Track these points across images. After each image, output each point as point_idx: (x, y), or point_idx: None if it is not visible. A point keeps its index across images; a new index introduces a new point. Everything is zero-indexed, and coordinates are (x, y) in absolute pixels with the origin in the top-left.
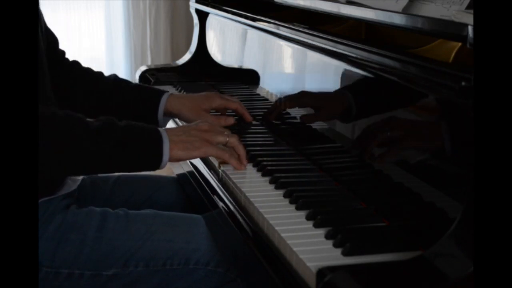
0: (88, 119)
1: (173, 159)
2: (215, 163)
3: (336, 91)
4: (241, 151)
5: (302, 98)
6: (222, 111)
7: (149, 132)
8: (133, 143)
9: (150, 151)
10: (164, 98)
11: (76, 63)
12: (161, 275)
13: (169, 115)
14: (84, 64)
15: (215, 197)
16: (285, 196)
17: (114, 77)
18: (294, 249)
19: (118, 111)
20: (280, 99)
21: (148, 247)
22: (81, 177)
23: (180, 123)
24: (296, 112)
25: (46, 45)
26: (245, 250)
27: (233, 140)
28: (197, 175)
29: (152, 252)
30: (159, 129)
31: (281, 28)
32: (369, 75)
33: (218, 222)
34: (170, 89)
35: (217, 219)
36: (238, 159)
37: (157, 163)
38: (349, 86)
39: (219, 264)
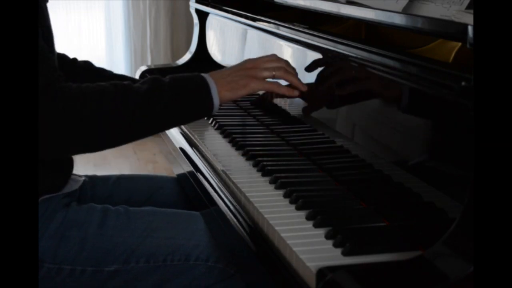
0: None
1: (223, 101)
2: (216, 164)
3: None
4: (292, 79)
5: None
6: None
7: (194, 80)
8: (182, 96)
9: (200, 99)
10: None
11: (67, 58)
12: (162, 271)
13: None
14: None
15: (215, 197)
16: (285, 196)
17: (91, 65)
18: (294, 249)
19: None
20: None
21: (149, 244)
22: (83, 177)
23: None
24: (296, 112)
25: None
26: (245, 250)
27: (280, 73)
28: (197, 175)
29: (153, 249)
30: (203, 75)
31: (281, 28)
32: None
33: (216, 220)
34: None
35: (216, 216)
36: (291, 88)
37: (210, 108)
38: (349, 86)
39: (218, 260)
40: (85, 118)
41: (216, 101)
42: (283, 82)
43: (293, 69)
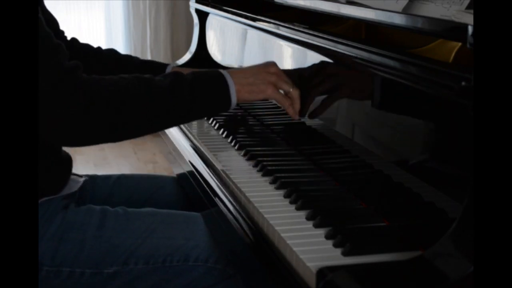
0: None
1: (240, 100)
2: (216, 164)
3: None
4: (299, 105)
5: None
6: None
7: (215, 78)
8: (202, 93)
9: (218, 97)
10: (168, 71)
11: (75, 40)
12: (161, 272)
13: None
14: None
15: (215, 197)
16: (285, 196)
17: (114, 52)
18: (294, 249)
19: None
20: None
21: (148, 245)
22: (82, 178)
23: None
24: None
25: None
26: (245, 250)
27: (296, 92)
28: (197, 175)
29: (152, 250)
30: (224, 73)
31: (281, 28)
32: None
33: (216, 220)
34: None
35: (216, 217)
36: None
37: (227, 105)
38: (349, 86)
39: (218, 261)
40: (108, 111)
41: (234, 99)
42: None
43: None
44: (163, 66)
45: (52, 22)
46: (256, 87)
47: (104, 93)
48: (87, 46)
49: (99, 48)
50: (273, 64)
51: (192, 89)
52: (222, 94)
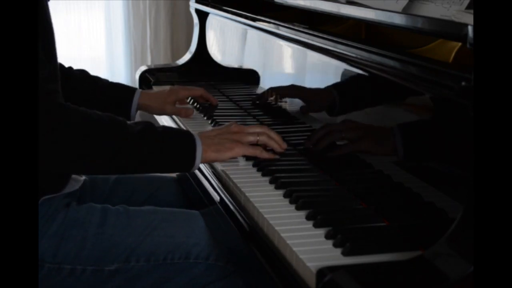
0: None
1: (206, 161)
2: (216, 163)
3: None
4: (274, 145)
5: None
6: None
7: (184, 137)
8: (169, 147)
9: (184, 154)
10: (136, 97)
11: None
12: (162, 270)
13: (139, 109)
14: (84, 65)
15: (215, 197)
16: (285, 196)
17: (86, 74)
18: (294, 249)
19: (88, 107)
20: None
21: (149, 242)
22: (83, 177)
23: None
24: (295, 111)
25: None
26: (245, 249)
27: (263, 138)
28: (197, 174)
29: (153, 247)
30: (193, 134)
31: (281, 28)
32: (369, 75)
33: (216, 219)
34: None
35: (216, 216)
36: (272, 151)
37: (190, 166)
38: (350, 86)
39: (219, 258)
40: (74, 138)
41: (198, 161)
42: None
43: (276, 134)
44: (132, 89)
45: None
46: (222, 146)
47: (75, 119)
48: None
49: (70, 68)
50: (233, 124)
51: (161, 141)
52: (188, 154)
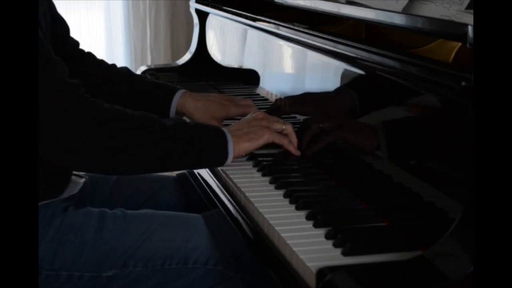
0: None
1: (242, 152)
2: None
3: (340, 93)
4: (295, 138)
5: (305, 102)
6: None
7: (215, 132)
8: (202, 142)
9: (217, 149)
10: (176, 98)
11: (89, 55)
12: (160, 275)
13: (181, 114)
14: None
15: (215, 197)
16: (285, 196)
17: (126, 71)
18: (294, 249)
19: (129, 107)
20: (280, 99)
21: (147, 247)
22: (83, 180)
23: None
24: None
25: (54, 34)
26: (245, 250)
27: (289, 127)
28: (197, 175)
29: (151, 252)
30: (223, 128)
31: (281, 28)
32: (369, 75)
33: (217, 221)
34: None
35: (217, 218)
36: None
37: (223, 160)
38: (350, 86)
39: (218, 263)
40: (106, 133)
41: (231, 154)
42: None
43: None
44: (173, 91)
45: (62, 28)
46: (254, 134)
47: (107, 115)
48: (101, 62)
49: (113, 65)
50: (258, 112)
51: (192, 136)
52: (220, 147)
